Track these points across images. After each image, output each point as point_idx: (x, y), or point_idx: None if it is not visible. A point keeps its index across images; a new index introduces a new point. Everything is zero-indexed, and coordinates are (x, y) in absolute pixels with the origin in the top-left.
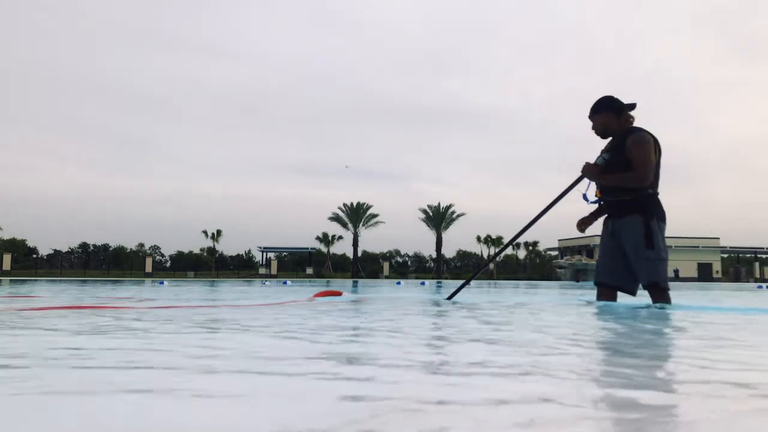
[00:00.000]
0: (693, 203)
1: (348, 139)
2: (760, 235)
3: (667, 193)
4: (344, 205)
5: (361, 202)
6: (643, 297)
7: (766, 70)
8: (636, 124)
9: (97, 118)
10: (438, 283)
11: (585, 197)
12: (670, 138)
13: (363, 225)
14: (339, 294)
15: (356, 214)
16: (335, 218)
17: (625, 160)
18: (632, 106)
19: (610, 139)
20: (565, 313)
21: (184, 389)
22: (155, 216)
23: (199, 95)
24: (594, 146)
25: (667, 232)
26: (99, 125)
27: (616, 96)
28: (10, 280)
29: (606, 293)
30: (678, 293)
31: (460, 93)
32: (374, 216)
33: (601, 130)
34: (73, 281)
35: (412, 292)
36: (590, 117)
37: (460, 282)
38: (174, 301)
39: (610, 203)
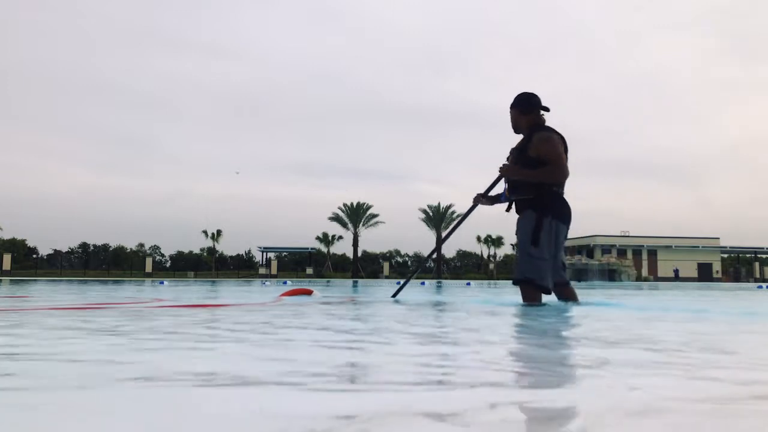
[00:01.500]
0: (693, 203)
1: (348, 139)
2: (760, 235)
3: (667, 193)
4: (344, 205)
5: (361, 202)
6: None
7: (767, 70)
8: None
9: (97, 118)
10: (438, 283)
11: (504, 196)
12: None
13: (363, 225)
14: (309, 293)
15: (356, 214)
16: (335, 218)
17: (529, 159)
18: (545, 109)
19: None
20: (467, 311)
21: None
22: (155, 216)
23: (199, 95)
24: (594, 146)
25: (667, 232)
26: (99, 125)
27: (536, 95)
28: (10, 280)
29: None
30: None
31: (460, 93)
32: (374, 216)
33: (512, 125)
34: (80, 281)
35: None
36: (509, 109)
37: (461, 282)
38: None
39: (516, 202)
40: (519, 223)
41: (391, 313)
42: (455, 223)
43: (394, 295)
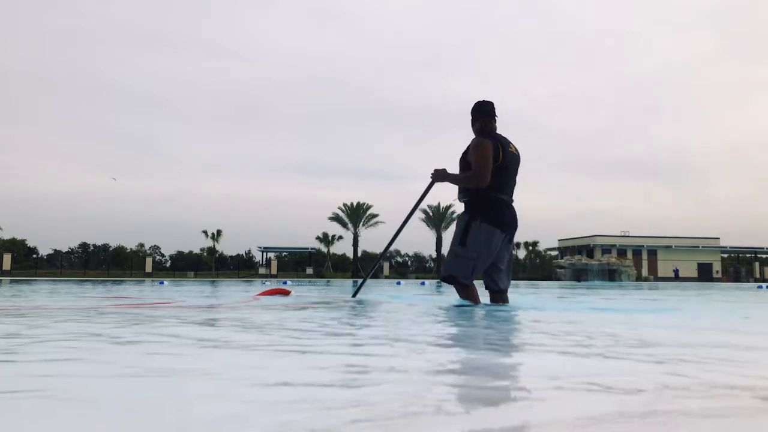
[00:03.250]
0: (693, 203)
1: (348, 139)
2: (760, 235)
3: (667, 193)
4: (344, 205)
5: (361, 202)
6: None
7: (767, 70)
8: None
9: (97, 118)
10: (438, 283)
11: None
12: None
13: (363, 225)
14: (287, 293)
15: (356, 214)
16: (335, 218)
17: (466, 164)
18: (490, 117)
19: None
20: (400, 311)
21: None
22: (155, 216)
23: (199, 95)
24: (594, 146)
25: (667, 232)
26: (99, 125)
27: (485, 103)
28: (10, 280)
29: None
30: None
31: (460, 93)
32: (374, 216)
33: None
34: (86, 281)
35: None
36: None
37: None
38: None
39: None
40: (456, 224)
41: (331, 316)
42: (411, 209)
43: (354, 295)
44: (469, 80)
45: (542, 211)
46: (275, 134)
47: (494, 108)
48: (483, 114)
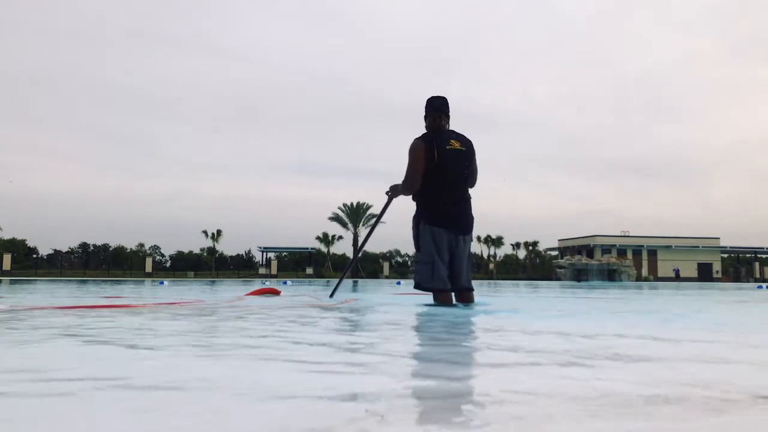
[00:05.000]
0: (693, 203)
1: (348, 139)
2: (760, 235)
3: (667, 193)
4: (344, 205)
5: (361, 202)
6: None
7: (767, 70)
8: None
9: (97, 118)
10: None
11: None
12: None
13: (363, 225)
14: (277, 293)
15: (356, 214)
16: (335, 218)
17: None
18: (439, 113)
19: None
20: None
21: None
22: (155, 216)
23: (199, 95)
24: (594, 146)
25: (667, 232)
26: (99, 125)
27: (435, 98)
28: (10, 280)
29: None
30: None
31: (460, 93)
32: (374, 216)
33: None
34: (90, 281)
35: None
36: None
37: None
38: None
39: None
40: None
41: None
42: (373, 222)
43: (331, 295)
44: (469, 80)
45: (542, 211)
46: (275, 134)
47: (446, 104)
48: (433, 110)
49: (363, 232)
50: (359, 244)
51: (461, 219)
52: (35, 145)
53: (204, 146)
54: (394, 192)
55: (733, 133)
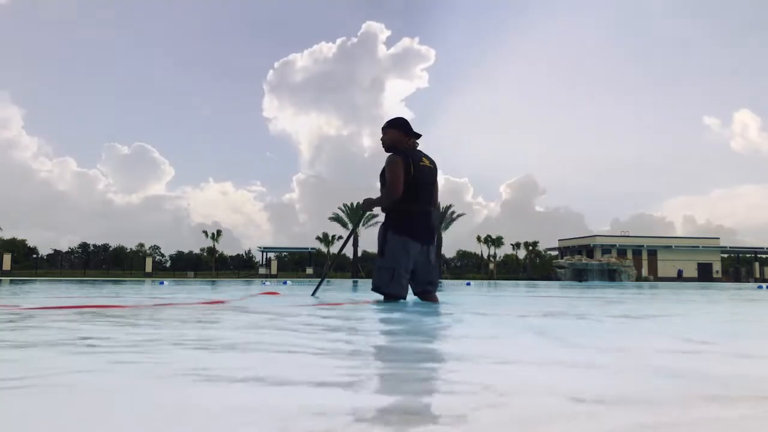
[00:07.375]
0: (693, 203)
1: None
2: (760, 235)
3: (667, 193)
4: (344, 205)
5: (361, 202)
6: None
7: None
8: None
9: (96, 117)
10: (438, 283)
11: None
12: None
13: (363, 225)
14: (276, 293)
15: (356, 214)
16: (335, 218)
17: (384, 180)
18: (408, 134)
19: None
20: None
21: None
22: (155, 216)
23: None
24: (593, 145)
25: (667, 232)
26: (99, 125)
27: (407, 121)
28: (10, 280)
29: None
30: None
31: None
32: (374, 216)
33: (385, 145)
34: (93, 281)
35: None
36: (383, 129)
37: (460, 282)
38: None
39: None
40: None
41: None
42: (347, 234)
43: (313, 293)
44: (468, 80)
45: (542, 210)
46: None
47: (410, 126)
48: (407, 132)
49: (363, 232)
50: (340, 248)
51: (429, 230)
52: (35, 145)
53: (204, 146)
54: (366, 206)
55: (733, 133)
